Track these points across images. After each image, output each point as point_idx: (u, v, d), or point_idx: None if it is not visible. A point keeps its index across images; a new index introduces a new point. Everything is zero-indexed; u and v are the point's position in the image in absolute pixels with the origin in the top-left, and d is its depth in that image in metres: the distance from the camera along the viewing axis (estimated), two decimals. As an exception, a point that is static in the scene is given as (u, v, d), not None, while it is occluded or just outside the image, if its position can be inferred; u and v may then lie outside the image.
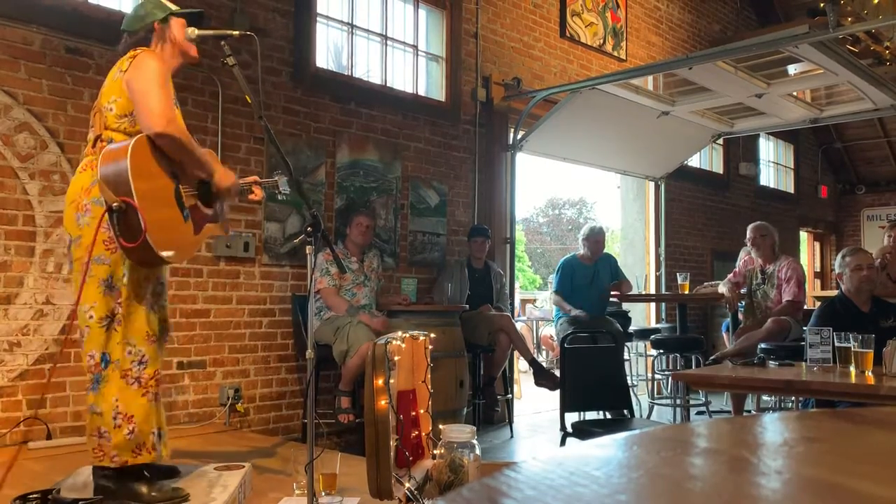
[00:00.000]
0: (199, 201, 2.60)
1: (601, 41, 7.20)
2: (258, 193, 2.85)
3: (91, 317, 2.38)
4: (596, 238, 5.80)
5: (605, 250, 5.97)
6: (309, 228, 2.55)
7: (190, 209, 2.54)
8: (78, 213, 2.41)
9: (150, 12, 2.61)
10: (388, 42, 5.51)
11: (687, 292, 5.74)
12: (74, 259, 2.44)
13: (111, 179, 2.31)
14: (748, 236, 5.27)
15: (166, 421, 2.57)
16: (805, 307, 5.22)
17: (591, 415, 4.35)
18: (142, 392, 2.42)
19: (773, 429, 0.76)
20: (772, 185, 10.23)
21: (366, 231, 4.69)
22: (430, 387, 2.74)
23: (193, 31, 2.63)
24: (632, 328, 6.49)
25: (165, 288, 2.61)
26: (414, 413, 2.58)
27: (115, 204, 2.29)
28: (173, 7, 2.64)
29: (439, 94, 5.80)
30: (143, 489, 2.40)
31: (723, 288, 5.56)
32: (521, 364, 6.97)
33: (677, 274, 5.82)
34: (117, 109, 2.44)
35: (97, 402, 2.37)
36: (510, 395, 5.80)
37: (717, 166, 9.01)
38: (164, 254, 2.37)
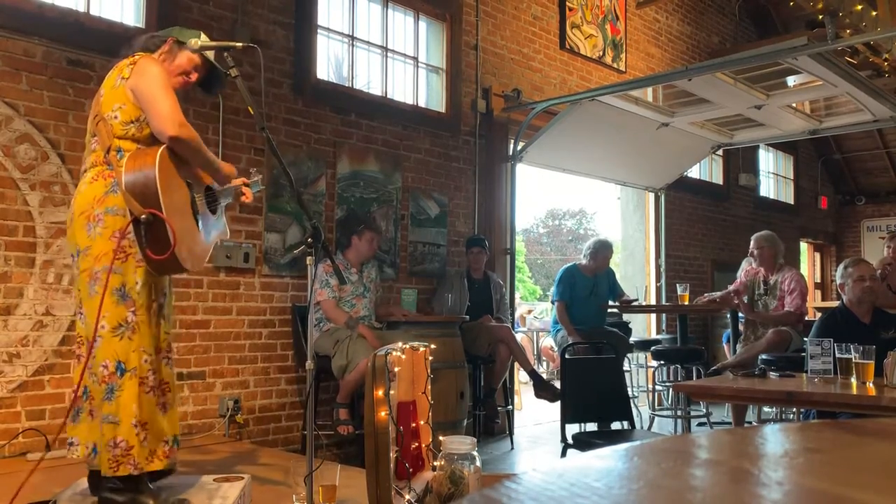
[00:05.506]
0: (208, 208, 2.64)
1: (601, 53, 7.23)
2: (248, 195, 2.88)
3: (103, 326, 2.35)
4: (605, 255, 5.81)
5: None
6: (309, 239, 2.56)
7: (201, 216, 2.56)
8: (89, 224, 2.39)
9: (180, 31, 2.67)
10: (389, 54, 5.53)
11: (687, 303, 5.73)
12: (81, 270, 2.41)
13: (138, 191, 2.31)
14: (751, 246, 5.29)
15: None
16: (806, 318, 5.21)
17: (591, 426, 4.34)
18: (156, 401, 2.42)
19: (774, 440, 0.76)
20: (772, 196, 10.24)
21: (376, 246, 4.78)
22: (430, 398, 2.74)
23: (196, 42, 2.64)
24: (632, 339, 6.48)
25: (168, 300, 2.60)
26: (414, 424, 2.58)
27: (143, 216, 2.30)
28: (198, 41, 2.64)
29: (439, 105, 5.82)
30: (150, 501, 2.39)
31: (716, 294, 5.59)
32: (521, 375, 6.95)
33: (677, 285, 5.82)
34: (122, 116, 2.43)
35: (113, 411, 2.34)
36: (510, 407, 5.78)
37: (717, 177, 9.03)
38: (186, 264, 2.39)
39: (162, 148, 2.38)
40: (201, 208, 2.58)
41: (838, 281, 3.92)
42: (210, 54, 2.69)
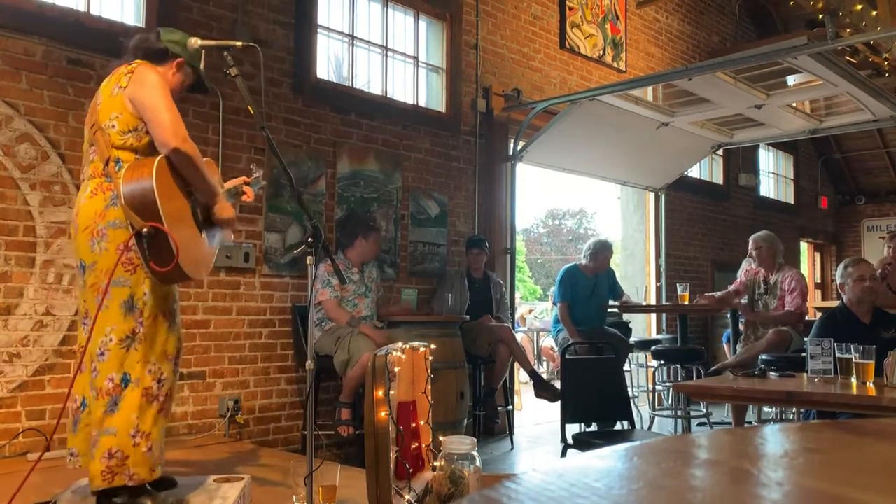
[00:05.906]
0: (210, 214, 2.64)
1: (601, 52, 7.22)
2: (250, 194, 2.88)
3: (111, 339, 2.35)
4: (605, 255, 5.81)
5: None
6: (310, 239, 2.56)
7: (203, 222, 2.56)
8: (93, 239, 2.37)
9: (185, 47, 2.63)
10: (389, 53, 5.53)
11: (687, 303, 5.73)
12: (88, 285, 2.40)
13: (137, 203, 2.30)
14: (749, 247, 5.31)
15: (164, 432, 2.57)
16: (806, 318, 5.21)
17: (591, 426, 4.34)
18: (158, 409, 2.40)
19: (774, 440, 0.76)
20: (772, 196, 10.24)
21: (379, 248, 4.83)
22: (430, 398, 2.74)
23: (196, 42, 2.64)
24: (632, 339, 6.48)
25: (178, 307, 2.60)
26: (414, 424, 2.58)
27: (144, 229, 2.28)
28: (198, 41, 2.65)
29: (439, 104, 5.82)
30: (147, 501, 2.38)
31: (716, 294, 5.60)
32: (521, 375, 6.95)
33: (677, 285, 5.81)
34: (120, 126, 2.41)
35: (113, 423, 2.33)
36: (510, 407, 5.78)
37: (717, 177, 9.02)
38: (192, 273, 2.38)
39: (159, 158, 2.35)
40: (203, 213, 2.57)
41: (838, 281, 3.91)
42: (203, 57, 2.69)
